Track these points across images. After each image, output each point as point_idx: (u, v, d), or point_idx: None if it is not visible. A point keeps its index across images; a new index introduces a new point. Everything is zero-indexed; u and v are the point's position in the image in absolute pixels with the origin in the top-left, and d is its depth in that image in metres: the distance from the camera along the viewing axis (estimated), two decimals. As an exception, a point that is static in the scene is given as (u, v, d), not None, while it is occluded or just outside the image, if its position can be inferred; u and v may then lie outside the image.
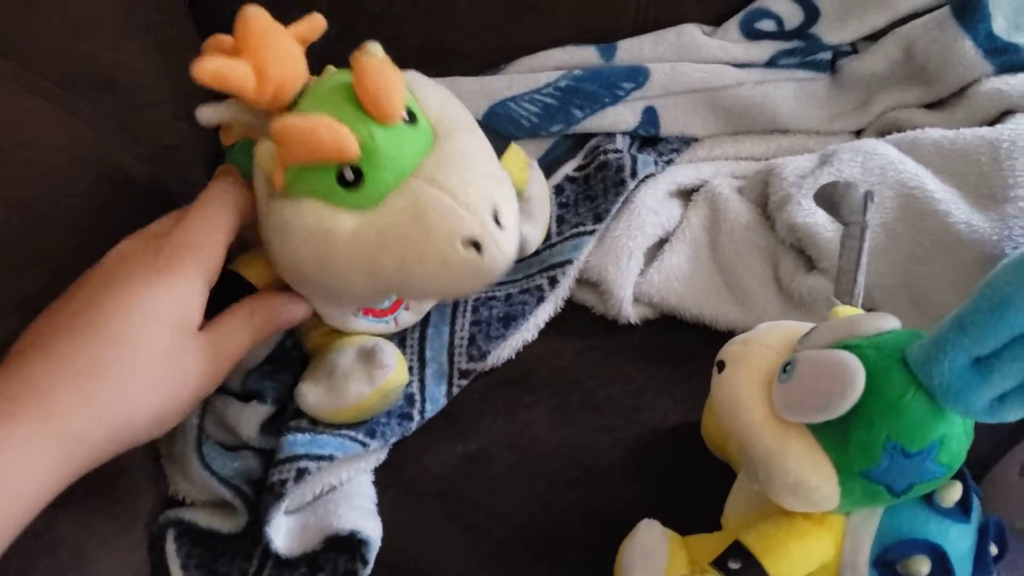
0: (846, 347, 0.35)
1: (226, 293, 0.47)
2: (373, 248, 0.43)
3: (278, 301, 0.48)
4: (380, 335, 0.57)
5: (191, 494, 0.52)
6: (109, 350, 0.39)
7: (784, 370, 0.36)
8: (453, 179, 0.44)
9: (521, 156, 0.58)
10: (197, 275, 0.42)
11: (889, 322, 0.36)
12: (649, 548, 0.42)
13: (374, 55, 0.44)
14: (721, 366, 0.40)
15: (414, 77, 0.49)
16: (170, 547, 0.51)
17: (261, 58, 0.44)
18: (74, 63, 0.55)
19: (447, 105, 0.49)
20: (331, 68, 0.47)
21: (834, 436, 0.34)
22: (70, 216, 0.51)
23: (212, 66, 0.42)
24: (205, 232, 0.44)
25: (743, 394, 0.37)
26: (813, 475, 0.35)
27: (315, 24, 0.48)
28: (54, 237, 0.50)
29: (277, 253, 0.46)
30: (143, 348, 0.40)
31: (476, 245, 0.43)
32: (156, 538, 0.51)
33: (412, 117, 0.45)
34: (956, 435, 0.34)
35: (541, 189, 0.60)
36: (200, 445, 0.51)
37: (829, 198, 0.44)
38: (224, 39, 0.45)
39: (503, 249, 0.44)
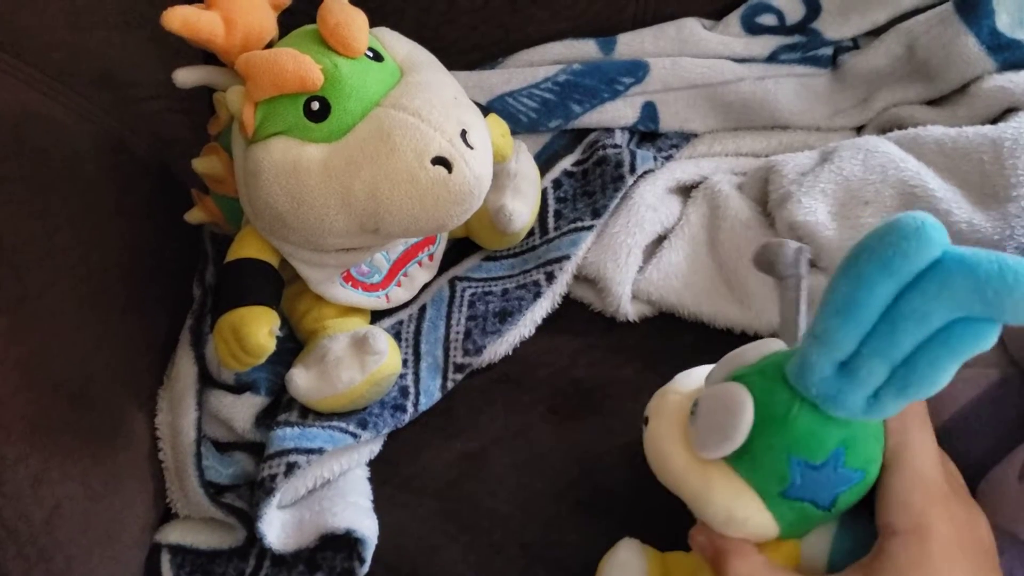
0: (737, 378, 0.36)
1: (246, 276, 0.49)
2: (343, 175, 0.44)
3: None
4: (372, 310, 0.57)
5: (188, 511, 0.52)
6: None
7: (692, 412, 0.37)
8: (417, 101, 0.44)
9: (501, 123, 0.58)
10: None
11: (773, 345, 0.37)
12: (628, 566, 0.43)
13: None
14: (646, 421, 0.40)
15: (384, 31, 0.50)
16: (165, 556, 0.51)
17: (228, 8, 0.46)
18: (72, 57, 0.55)
19: (415, 51, 0.50)
20: None
21: (748, 465, 0.35)
22: (72, 211, 0.51)
23: (181, 14, 0.44)
24: None
25: (664, 445, 0.38)
26: (739, 508, 0.36)
27: None
28: (60, 232, 0.50)
29: (253, 199, 0.46)
30: None
31: (445, 163, 0.43)
32: (152, 550, 0.51)
33: (378, 57, 0.46)
34: (860, 438, 0.34)
35: (529, 168, 0.60)
36: (199, 461, 0.51)
37: (766, 259, 0.45)
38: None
39: (473, 167, 0.44)
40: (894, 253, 0.29)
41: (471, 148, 0.44)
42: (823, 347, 0.32)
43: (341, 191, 0.44)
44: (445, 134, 0.44)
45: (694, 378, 0.41)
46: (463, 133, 0.44)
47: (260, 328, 0.47)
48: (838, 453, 0.34)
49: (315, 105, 0.44)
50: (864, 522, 0.37)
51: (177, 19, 0.44)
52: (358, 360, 0.51)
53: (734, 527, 0.36)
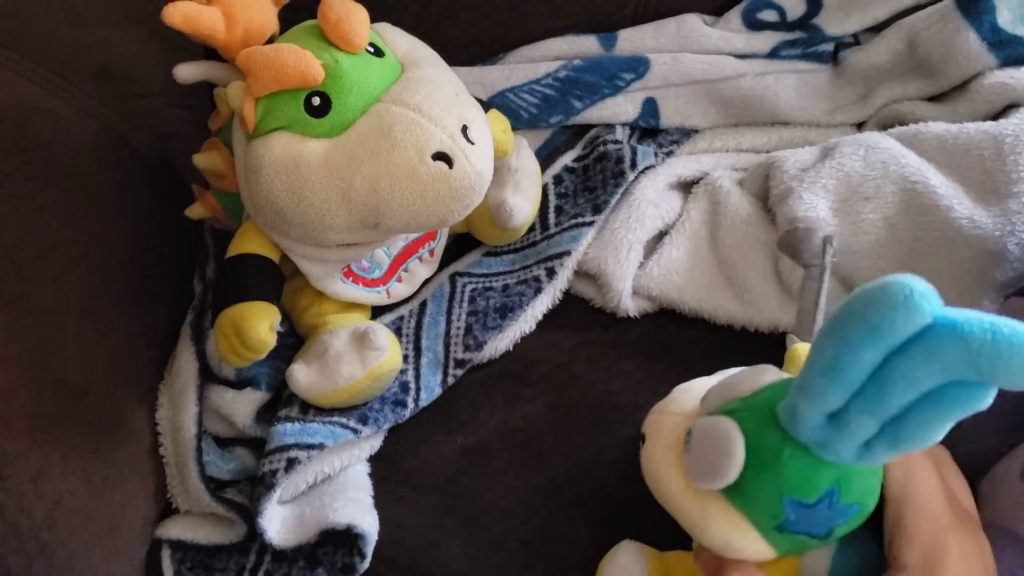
0: (729, 411, 0.35)
1: (247, 272, 0.49)
2: (344, 171, 0.44)
3: None
4: (373, 305, 0.57)
5: (188, 506, 0.52)
6: None
7: (686, 440, 0.37)
8: (418, 97, 0.44)
9: (502, 119, 0.58)
10: None
11: (766, 376, 0.36)
12: (628, 568, 0.43)
13: None
14: (643, 439, 0.40)
15: (385, 26, 0.50)
16: (165, 551, 0.51)
17: (229, 4, 0.46)
18: (73, 53, 0.55)
19: (416, 46, 0.50)
20: None
21: (742, 500, 0.35)
22: (73, 206, 0.51)
23: (182, 9, 0.44)
24: None
25: (660, 468, 0.38)
26: (735, 537, 0.35)
27: None
28: (60, 228, 0.49)
29: (254, 194, 0.46)
30: None
31: (446, 158, 0.43)
32: (153, 545, 0.51)
33: (379, 52, 0.46)
34: (854, 476, 0.34)
35: (530, 164, 0.60)
36: (200, 456, 0.51)
37: (791, 244, 0.45)
38: None
39: (473, 163, 0.44)
40: (881, 320, 0.28)
41: (472, 144, 0.44)
42: (811, 401, 0.31)
43: (342, 186, 0.44)
44: (446, 129, 0.44)
45: (693, 394, 0.40)
46: (464, 129, 0.44)
47: (261, 323, 0.47)
48: (832, 492, 0.33)
49: (316, 100, 0.44)
50: (865, 539, 0.37)
51: (178, 15, 0.44)
52: (359, 356, 0.51)
53: (731, 553, 0.36)
